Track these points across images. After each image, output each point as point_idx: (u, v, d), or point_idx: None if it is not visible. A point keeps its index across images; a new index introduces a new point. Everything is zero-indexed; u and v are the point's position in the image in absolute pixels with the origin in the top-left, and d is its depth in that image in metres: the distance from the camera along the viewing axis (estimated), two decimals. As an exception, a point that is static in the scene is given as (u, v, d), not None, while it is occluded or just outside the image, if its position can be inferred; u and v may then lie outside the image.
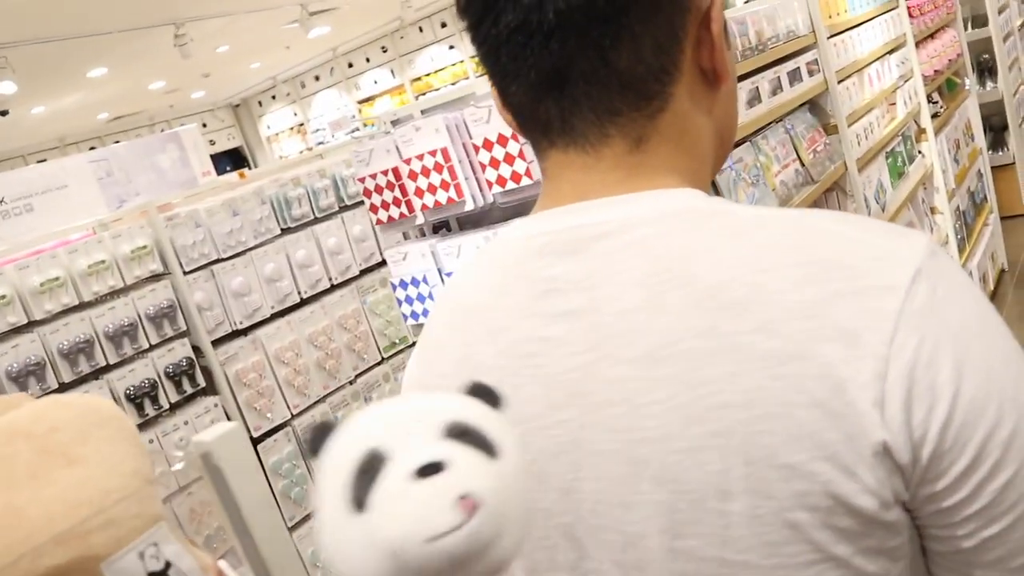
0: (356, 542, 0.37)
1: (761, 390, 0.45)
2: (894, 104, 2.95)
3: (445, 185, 1.66)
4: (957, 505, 0.46)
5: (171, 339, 2.66)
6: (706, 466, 0.47)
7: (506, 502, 0.38)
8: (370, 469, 0.37)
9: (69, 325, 2.44)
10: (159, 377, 2.61)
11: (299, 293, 2.98)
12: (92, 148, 8.17)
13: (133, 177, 4.02)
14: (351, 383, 3.09)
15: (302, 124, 10.51)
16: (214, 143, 10.48)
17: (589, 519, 0.52)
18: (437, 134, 1.63)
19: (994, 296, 3.77)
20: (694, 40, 0.54)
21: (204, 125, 10.42)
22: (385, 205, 1.79)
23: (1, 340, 2.34)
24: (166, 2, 5.20)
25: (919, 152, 3.14)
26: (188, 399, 2.71)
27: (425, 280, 1.78)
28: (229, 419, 2.95)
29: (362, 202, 2.10)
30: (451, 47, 8.74)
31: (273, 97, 10.69)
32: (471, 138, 1.62)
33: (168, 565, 0.43)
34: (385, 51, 9.27)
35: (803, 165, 2.13)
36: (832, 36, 2.38)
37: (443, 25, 8.62)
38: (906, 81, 3.03)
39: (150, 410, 2.58)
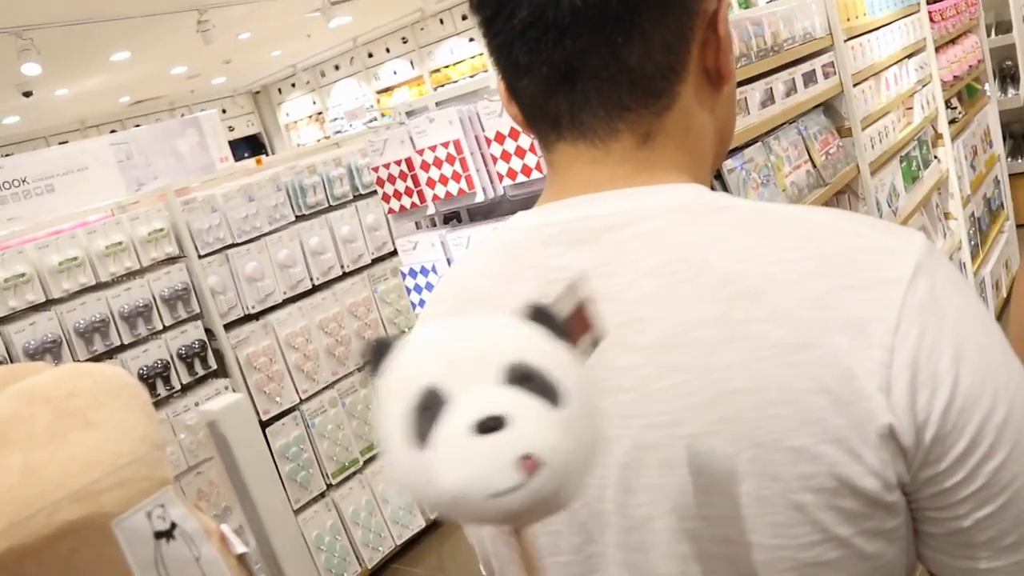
0: (419, 476, 0.37)
1: (772, 377, 0.47)
2: (911, 108, 2.93)
3: (456, 176, 1.68)
4: (955, 486, 0.48)
5: (184, 321, 2.71)
6: (715, 450, 0.48)
7: (568, 455, 0.37)
8: (430, 407, 0.37)
9: (86, 304, 2.49)
10: (171, 358, 2.65)
11: (311, 279, 3.02)
12: (113, 131, 8.25)
13: (152, 161, 4.07)
14: (360, 370, 3.12)
15: (320, 113, 10.54)
16: (233, 129, 10.54)
17: (594, 504, 0.53)
18: (450, 126, 1.65)
19: (1007, 303, 3.75)
20: (701, 41, 0.55)
21: (224, 111, 10.49)
22: (397, 195, 1.82)
23: (19, 317, 2.39)
24: (189, -12, 5.25)
25: (935, 157, 3.12)
26: (199, 381, 2.75)
27: (434, 269, 1.80)
28: (239, 401, 2.99)
29: (376, 192, 2.13)
30: (471, 39, 8.75)
31: (293, 85, 10.74)
32: (484, 131, 1.64)
33: (174, 526, 0.45)
34: (405, 42, 9.28)
35: (815, 167, 2.14)
36: (850, 39, 2.37)
37: (464, 18, 8.62)
38: (924, 86, 3.02)
39: (162, 390, 2.62)
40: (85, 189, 3.70)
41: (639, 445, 0.51)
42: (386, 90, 9.73)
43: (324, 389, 3.02)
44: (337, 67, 10.16)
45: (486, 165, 1.67)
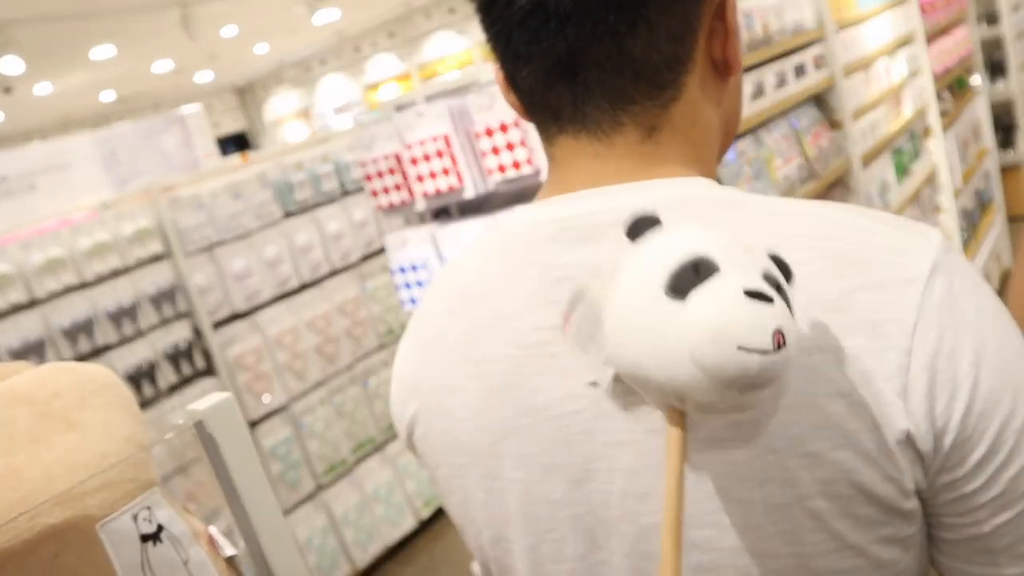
0: (662, 323, 0.41)
1: (787, 381, 0.46)
2: (902, 101, 2.94)
3: (446, 171, 1.66)
4: (973, 492, 0.46)
5: (171, 320, 2.68)
6: (729, 454, 0.47)
7: (794, 355, 0.41)
8: (701, 269, 0.41)
9: (71, 304, 2.45)
10: (158, 358, 2.62)
11: (300, 277, 2.99)
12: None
13: (137, 158, 4.03)
14: (349, 368, 3.11)
15: (307, 108, 10.49)
16: (218, 126, 10.47)
17: (601, 511, 0.51)
18: (439, 120, 1.63)
19: (998, 296, 3.77)
20: (707, 30, 0.54)
21: (209, 107, 10.41)
22: (386, 190, 1.80)
23: (2, 317, 2.35)
24: (173, -17, 5.19)
25: (926, 150, 3.13)
26: (186, 381, 2.72)
27: (424, 266, 1.79)
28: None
29: (364, 188, 2.10)
30: (459, 32, 8.72)
31: (279, 81, 10.68)
32: (473, 125, 1.62)
33: (160, 528, 0.44)
34: (392, 36, 9.24)
35: (807, 160, 2.13)
36: (841, 29, 2.37)
37: (451, 11, 8.59)
38: (915, 77, 3.02)
39: (149, 391, 2.59)
40: (68, 187, 3.66)
41: (648, 451, 0.49)
42: (374, 85, 9.69)
43: (313, 388, 3.00)
44: (323, 62, 10.11)
45: (476, 160, 1.66)
